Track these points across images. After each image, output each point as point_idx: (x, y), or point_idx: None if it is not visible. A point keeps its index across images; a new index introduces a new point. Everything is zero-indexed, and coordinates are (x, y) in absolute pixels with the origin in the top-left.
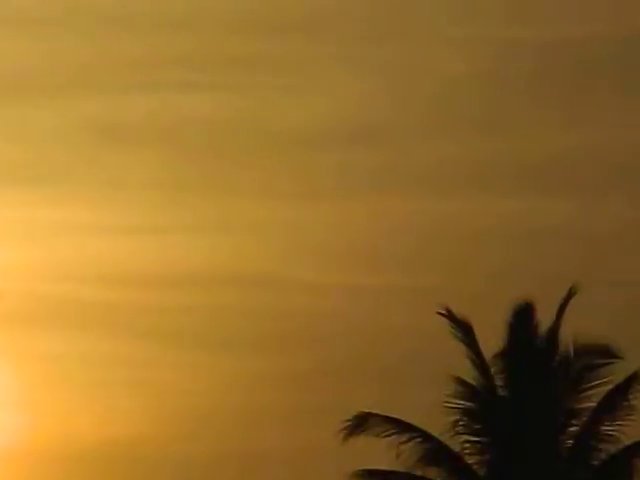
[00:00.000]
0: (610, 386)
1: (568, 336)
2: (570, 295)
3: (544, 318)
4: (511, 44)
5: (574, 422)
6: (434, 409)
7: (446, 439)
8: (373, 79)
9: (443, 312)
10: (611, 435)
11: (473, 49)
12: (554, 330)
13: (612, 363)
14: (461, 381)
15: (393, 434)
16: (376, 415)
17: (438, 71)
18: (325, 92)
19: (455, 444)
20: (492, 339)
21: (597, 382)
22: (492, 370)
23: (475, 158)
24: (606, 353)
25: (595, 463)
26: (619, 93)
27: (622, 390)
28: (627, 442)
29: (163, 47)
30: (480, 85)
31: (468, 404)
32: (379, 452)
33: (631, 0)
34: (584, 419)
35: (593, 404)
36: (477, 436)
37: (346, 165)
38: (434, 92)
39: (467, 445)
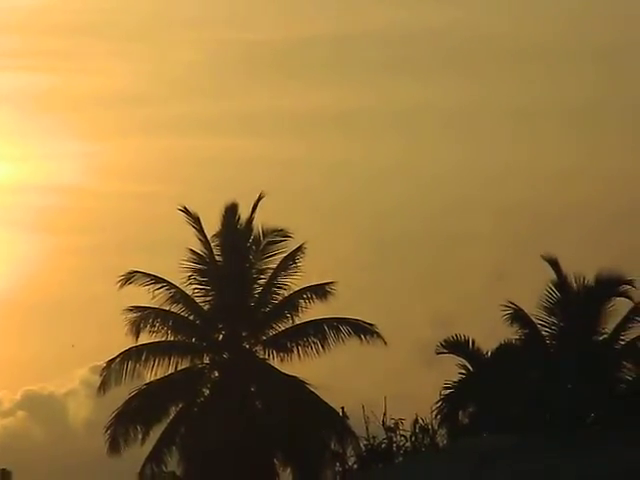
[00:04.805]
0: (285, 254)
1: (259, 223)
2: (259, 198)
3: (244, 213)
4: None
5: (262, 276)
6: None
7: (184, 287)
8: None
9: (182, 209)
10: (285, 284)
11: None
12: (250, 220)
13: (285, 240)
14: (192, 251)
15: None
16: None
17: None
18: None
19: (189, 290)
20: (213, 225)
21: (277, 251)
22: (212, 245)
23: None
24: (281, 234)
25: (275, 302)
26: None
27: (292, 256)
28: (296, 289)
29: None
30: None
31: (197, 266)
32: None
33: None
34: (268, 274)
35: (274, 265)
36: (202, 285)
37: None
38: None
39: (196, 291)
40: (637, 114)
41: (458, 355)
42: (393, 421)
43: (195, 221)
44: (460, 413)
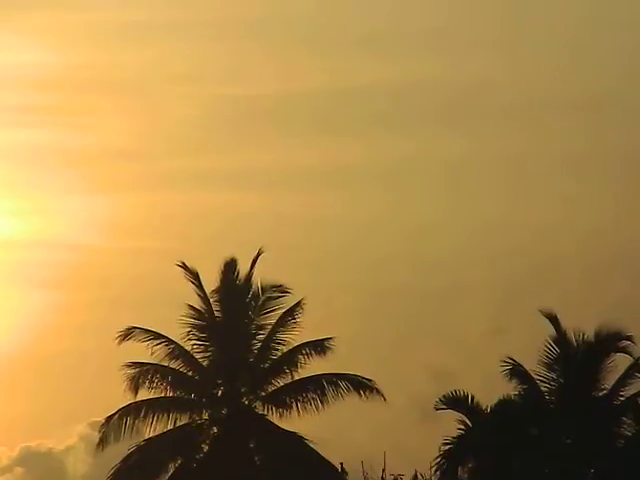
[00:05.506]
0: (284, 309)
1: (258, 279)
2: (259, 254)
3: (244, 268)
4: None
5: (261, 332)
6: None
7: (183, 343)
8: None
9: (180, 264)
10: (284, 340)
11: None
12: (249, 276)
13: (284, 296)
14: (191, 307)
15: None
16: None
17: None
18: None
19: (188, 346)
20: (211, 280)
21: (276, 307)
22: (211, 300)
23: None
24: (280, 289)
25: (275, 357)
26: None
27: (290, 312)
28: (295, 344)
29: None
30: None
31: (196, 322)
32: None
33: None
34: (267, 330)
35: (273, 320)
36: (201, 341)
37: None
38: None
39: (195, 347)
40: (623, 165)
41: (457, 411)
42: (392, 477)
43: (194, 277)
44: (460, 469)
